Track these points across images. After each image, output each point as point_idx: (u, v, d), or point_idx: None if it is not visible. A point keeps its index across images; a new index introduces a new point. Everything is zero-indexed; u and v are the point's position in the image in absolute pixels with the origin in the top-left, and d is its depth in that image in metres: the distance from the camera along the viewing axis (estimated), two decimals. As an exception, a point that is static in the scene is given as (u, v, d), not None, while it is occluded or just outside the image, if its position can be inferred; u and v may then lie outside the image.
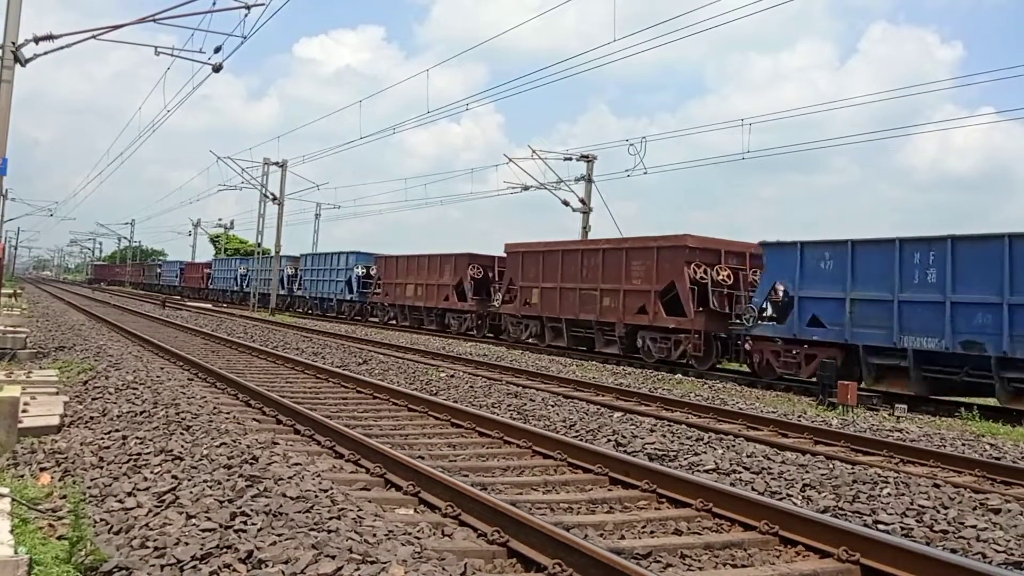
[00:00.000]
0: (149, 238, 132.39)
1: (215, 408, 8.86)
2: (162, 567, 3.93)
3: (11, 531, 4.08)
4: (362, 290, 37.56)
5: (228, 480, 5.49)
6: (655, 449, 8.15)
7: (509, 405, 10.92)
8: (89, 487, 5.51)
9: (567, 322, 22.86)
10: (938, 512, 6.14)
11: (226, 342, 19.55)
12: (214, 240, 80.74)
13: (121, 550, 4.20)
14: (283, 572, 3.86)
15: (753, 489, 6.62)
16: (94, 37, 16.09)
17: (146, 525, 4.56)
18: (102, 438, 7.07)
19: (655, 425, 9.71)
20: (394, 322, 33.79)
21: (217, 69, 17.54)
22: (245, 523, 4.53)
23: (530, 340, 24.62)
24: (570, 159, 30.99)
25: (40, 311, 29.23)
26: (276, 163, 42.14)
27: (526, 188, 31.60)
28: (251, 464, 5.99)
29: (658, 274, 19.77)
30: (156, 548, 4.16)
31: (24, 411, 7.49)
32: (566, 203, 30.86)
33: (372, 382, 11.96)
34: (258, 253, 46.69)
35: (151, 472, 5.81)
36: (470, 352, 20.51)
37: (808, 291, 16.00)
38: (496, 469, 7.11)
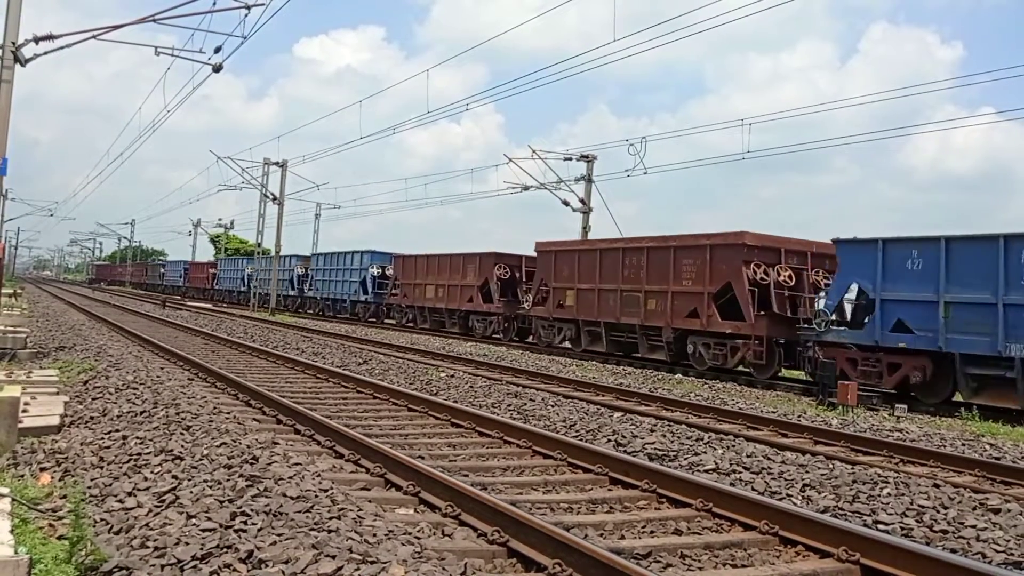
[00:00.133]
0: (149, 238, 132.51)
1: (215, 408, 8.86)
2: (162, 567, 3.94)
3: (11, 531, 4.08)
4: (377, 291, 36.35)
5: (228, 480, 5.49)
6: (655, 449, 8.15)
7: (509, 405, 10.92)
8: (89, 487, 5.51)
9: (606, 326, 21.32)
10: (938, 512, 6.14)
11: (226, 342, 19.55)
12: (214, 240, 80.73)
13: (121, 550, 4.20)
14: (283, 572, 3.87)
15: (753, 489, 6.62)
16: (94, 37, 16.10)
17: (146, 525, 4.57)
18: (102, 438, 7.07)
19: (655, 425, 9.71)
20: (412, 324, 32.54)
21: (217, 69, 17.55)
22: (245, 523, 4.53)
23: (563, 345, 23.28)
24: (570, 159, 31.00)
25: (40, 311, 29.24)
26: (276, 163, 42.15)
27: (526, 188, 31.61)
28: (251, 464, 5.99)
29: (711, 274, 18.21)
30: (156, 548, 4.16)
31: (24, 411, 7.49)
32: (566, 203, 30.87)
33: (372, 382, 11.96)
34: (259, 253, 46.63)
35: (151, 472, 5.81)
36: (470, 352, 20.50)
37: (892, 293, 14.55)
38: (496, 469, 7.11)
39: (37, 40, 14.98)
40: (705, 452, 8.08)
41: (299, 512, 4.79)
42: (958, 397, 14.12)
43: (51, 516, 4.84)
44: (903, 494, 6.65)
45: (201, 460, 6.12)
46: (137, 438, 6.97)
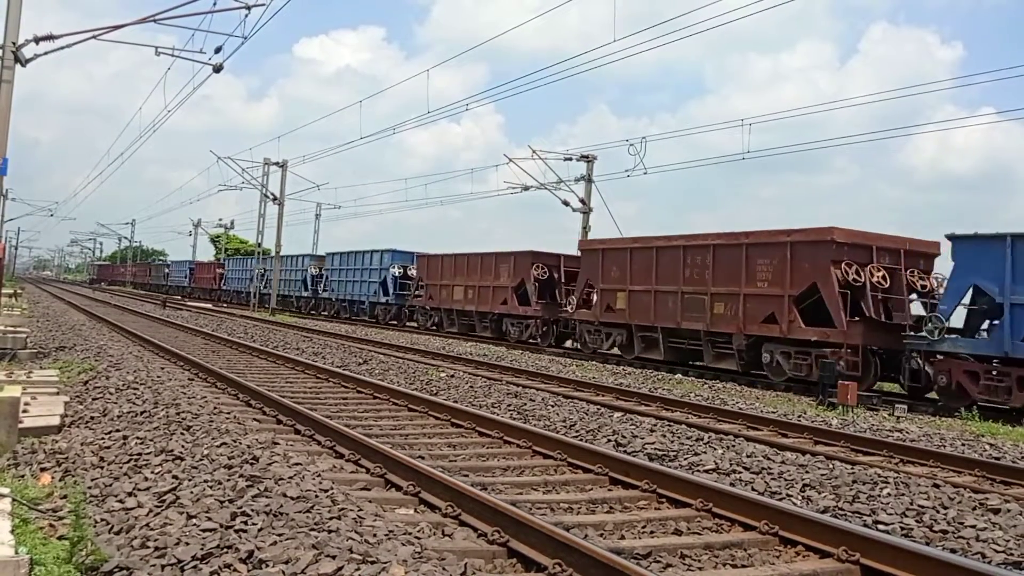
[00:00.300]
0: (149, 238, 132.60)
1: (215, 408, 8.87)
2: (163, 567, 3.94)
3: (12, 531, 4.09)
4: (399, 292, 34.72)
5: (229, 480, 5.50)
6: (655, 449, 8.16)
7: (509, 405, 10.93)
8: (90, 487, 5.51)
9: (664, 332, 19.41)
10: (938, 512, 6.15)
11: (227, 342, 19.56)
12: (214, 240, 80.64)
13: (122, 550, 4.21)
14: (283, 572, 3.87)
15: (753, 489, 6.62)
16: (94, 37, 16.11)
17: (147, 525, 4.57)
18: (103, 438, 7.07)
19: (655, 425, 9.71)
20: (436, 328, 30.80)
21: (217, 69, 17.56)
22: (246, 523, 4.53)
23: (613, 351, 21.57)
24: (570, 159, 30.99)
25: (40, 311, 29.25)
26: (276, 163, 42.17)
27: (526, 188, 31.59)
28: (251, 464, 5.99)
29: (793, 275, 16.30)
30: (157, 548, 4.17)
31: (25, 411, 7.49)
32: (566, 203, 30.86)
33: (372, 382, 11.97)
34: (259, 252, 46.62)
35: (152, 472, 5.81)
36: (470, 352, 20.51)
37: None
38: (496, 469, 7.11)
39: (37, 40, 14.99)
40: (705, 452, 8.08)
41: (299, 512, 4.80)
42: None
43: (51, 516, 4.84)
44: (903, 494, 6.65)
45: (201, 460, 6.12)
46: (137, 438, 6.98)
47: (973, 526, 5.78)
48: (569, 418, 9.90)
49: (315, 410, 9.13)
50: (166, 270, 76.52)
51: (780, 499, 6.31)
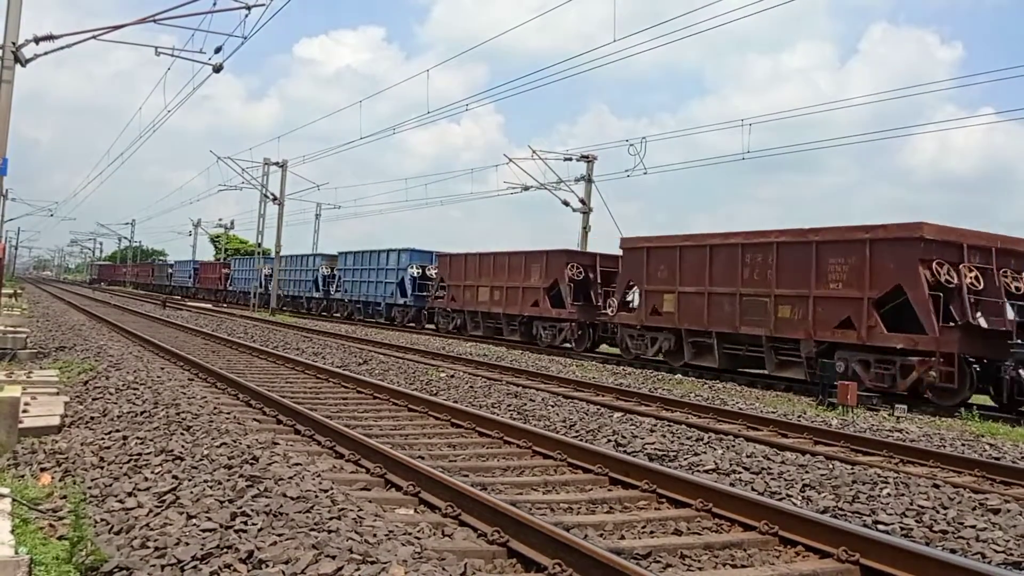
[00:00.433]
0: (149, 238, 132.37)
1: (215, 408, 8.87)
2: (163, 567, 3.94)
3: (12, 531, 4.09)
4: (418, 293, 33.06)
5: (228, 480, 5.50)
6: (655, 449, 8.16)
7: (509, 405, 10.93)
8: (90, 487, 5.52)
9: (719, 337, 17.94)
10: (938, 512, 6.15)
11: (226, 342, 19.56)
12: (214, 240, 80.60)
13: (122, 550, 4.21)
14: (283, 572, 3.87)
15: (753, 489, 6.62)
16: (94, 37, 16.11)
17: (147, 525, 4.57)
18: (103, 438, 7.07)
19: (655, 425, 9.71)
20: (459, 331, 29.25)
21: (217, 69, 17.57)
22: (245, 523, 4.54)
23: (658, 357, 19.99)
24: (570, 159, 31.04)
25: (40, 311, 29.24)
26: (276, 163, 42.20)
27: (526, 188, 31.64)
28: (251, 464, 6.00)
29: (873, 276, 14.81)
30: (157, 548, 4.17)
31: (24, 411, 7.49)
32: (566, 203, 30.90)
33: (372, 382, 11.97)
34: (258, 252, 46.58)
35: (152, 472, 5.81)
36: (470, 352, 20.51)
37: None
38: (496, 469, 7.11)
39: (37, 40, 15.00)
40: (705, 452, 8.08)
41: (299, 512, 4.80)
42: None
43: (51, 516, 4.84)
44: (903, 494, 6.65)
45: (201, 460, 6.12)
46: (137, 438, 6.98)
47: (973, 526, 5.79)
48: (569, 418, 9.90)
49: (315, 410, 9.13)
50: (169, 270, 74.70)
51: (780, 499, 6.31)
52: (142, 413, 8.25)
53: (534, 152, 30.88)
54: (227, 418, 8.28)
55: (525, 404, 11.04)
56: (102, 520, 4.76)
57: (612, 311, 21.52)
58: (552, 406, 10.91)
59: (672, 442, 8.59)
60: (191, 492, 5.16)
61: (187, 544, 4.18)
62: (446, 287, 30.27)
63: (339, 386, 12.16)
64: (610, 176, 47.77)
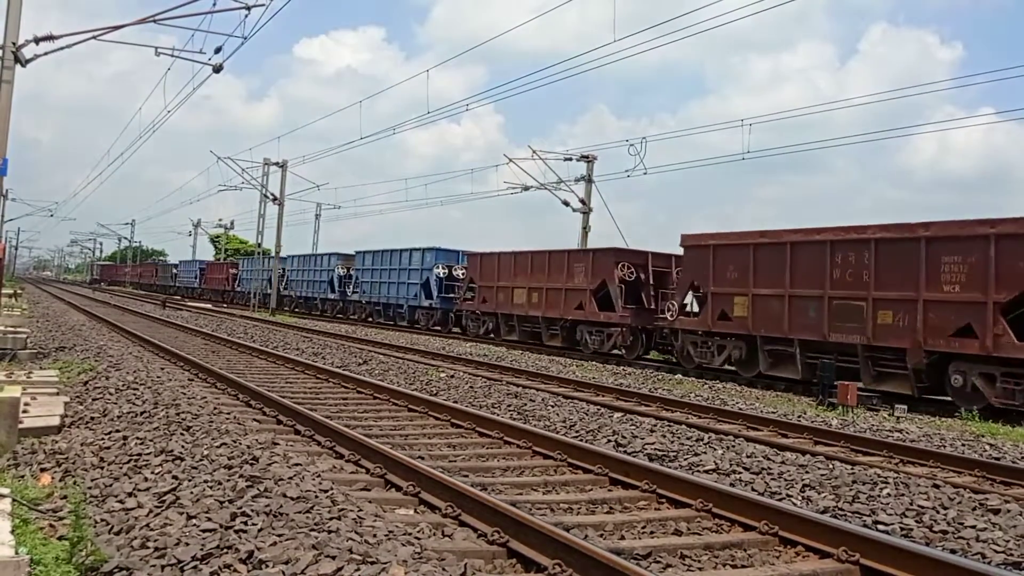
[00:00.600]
0: (149, 238, 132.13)
1: (215, 408, 8.87)
2: (163, 567, 3.94)
3: (12, 531, 4.09)
4: (444, 295, 31.17)
5: (228, 480, 5.50)
6: (655, 449, 8.16)
7: (509, 405, 10.93)
8: (90, 487, 5.52)
9: (803, 345, 16.07)
10: (938, 512, 6.15)
11: (226, 342, 19.56)
12: (214, 240, 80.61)
13: (122, 550, 4.21)
14: (283, 572, 3.87)
15: (753, 489, 6.62)
16: (94, 38, 16.11)
17: (147, 525, 4.57)
18: (103, 438, 7.08)
19: (655, 425, 9.71)
20: (491, 335, 27.10)
21: (217, 70, 17.57)
22: (245, 523, 4.54)
23: (726, 367, 18.37)
24: (570, 159, 31.06)
25: (40, 311, 29.25)
26: (276, 163, 42.23)
27: (526, 188, 31.66)
28: (251, 464, 6.00)
29: (1000, 277, 13.04)
30: (157, 548, 4.17)
31: (24, 411, 7.49)
32: (566, 203, 30.91)
33: (372, 382, 11.97)
34: (258, 250, 46.54)
35: (152, 472, 5.81)
36: (470, 352, 20.50)
37: None
38: (496, 469, 7.11)
39: (37, 41, 15.00)
40: (705, 452, 8.08)
41: (299, 512, 4.80)
42: None
43: (51, 516, 4.84)
44: (903, 494, 6.65)
45: (201, 460, 6.13)
46: (137, 438, 6.98)
47: (973, 526, 5.79)
48: (569, 418, 9.90)
49: (315, 410, 9.13)
50: (174, 270, 72.44)
51: (780, 499, 6.31)
52: (142, 413, 8.25)
53: (534, 152, 30.91)
54: (227, 418, 8.28)
55: (525, 404, 11.04)
56: (102, 520, 4.76)
57: (671, 315, 19.43)
58: (552, 406, 10.91)
59: (672, 442, 8.59)
60: (191, 492, 5.16)
61: (187, 544, 4.18)
62: (476, 288, 28.21)
63: (339, 386, 12.16)
64: (610, 176, 47.83)
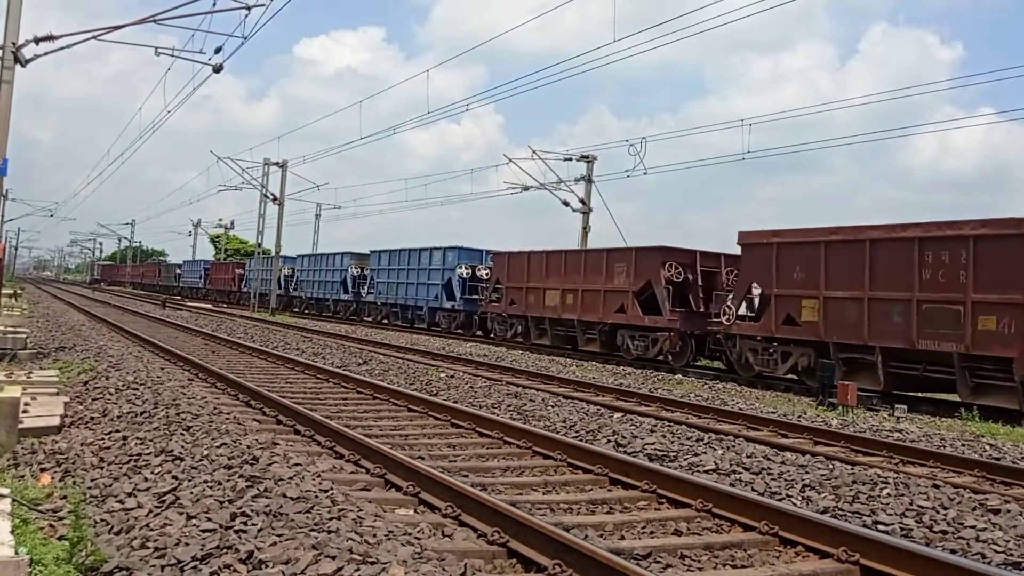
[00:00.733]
0: (149, 238, 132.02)
1: (215, 408, 8.87)
2: (163, 567, 3.94)
3: (12, 531, 4.09)
4: (468, 296, 29.62)
5: (228, 480, 5.50)
6: (655, 449, 8.16)
7: (509, 405, 10.93)
8: (89, 487, 5.52)
9: (885, 353, 14.59)
10: (938, 512, 6.15)
11: (226, 342, 19.56)
12: (214, 240, 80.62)
13: (122, 550, 4.21)
14: (283, 572, 3.87)
15: (753, 489, 6.62)
16: (94, 38, 16.12)
17: (147, 525, 4.57)
18: (102, 438, 7.08)
19: (655, 425, 9.71)
20: (520, 339, 25.60)
21: (217, 70, 17.58)
22: (245, 523, 4.54)
23: (791, 376, 16.79)
24: (570, 159, 31.08)
25: (40, 311, 29.25)
26: (276, 163, 42.24)
27: (526, 188, 31.68)
28: (251, 464, 6.00)
29: None
30: (157, 548, 4.17)
31: (24, 411, 7.49)
32: (566, 203, 30.93)
33: (372, 382, 11.97)
34: (258, 251, 46.51)
35: (151, 472, 5.81)
36: (470, 352, 20.50)
37: None
38: (496, 469, 7.11)
39: (37, 41, 15.01)
40: (705, 452, 8.08)
41: (299, 513, 4.80)
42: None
43: (51, 516, 4.84)
44: (903, 495, 6.65)
45: (201, 461, 6.13)
46: (137, 439, 6.98)
47: (973, 526, 5.78)
48: (569, 418, 9.90)
49: (315, 410, 9.13)
50: (177, 270, 70.96)
51: (780, 499, 6.31)
52: (142, 413, 8.25)
53: (534, 152, 30.93)
54: (227, 418, 8.28)
55: (525, 404, 11.04)
56: (102, 520, 4.76)
57: (727, 319, 17.95)
58: (552, 406, 10.91)
59: (672, 442, 8.59)
60: (191, 492, 5.16)
61: (187, 544, 4.18)
62: (502, 290, 26.56)
63: (339, 386, 12.16)
64: (610, 176, 47.81)
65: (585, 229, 30.62)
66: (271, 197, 42.21)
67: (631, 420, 10.12)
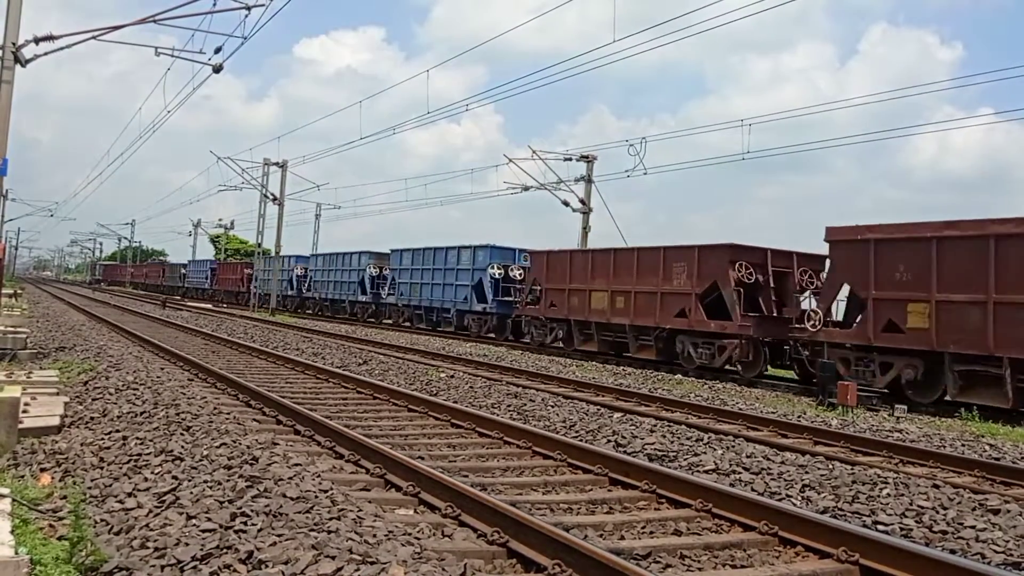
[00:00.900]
0: (149, 238, 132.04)
1: (215, 408, 8.87)
2: (162, 567, 3.94)
3: (12, 531, 4.09)
4: (500, 298, 27.61)
5: (228, 481, 5.50)
6: (655, 449, 8.16)
7: (509, 405, 10.93)
8: (89, 487, 5.52)
9: (1014, 365, 12.80)
10: (937, 512, 6.15)
11: (226, 342, 19.56)
12: (214, 240, 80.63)
13: (122, 550, 4.21)
14: (283, 572, 3.87)
15: (753, 490, 6.62)
16: (94, 38, 16.12)
17: (146, 526, 4.57)
18: (102, 438, 7.08)
19: (655, 425, 9.72)
20: (561, 345, 23.51)
21: (217, 70, 17.59)
22: (245, 523, 4.54)
23: (886, 390, 14.97)
24: (570, 159, 31.07)
25: (40, 311, 29.25)
26: (276, 163, 42.24)
27: (526, 188, 31.67)
28: (251, 465, 6.00)
29: None
30: (156, 548, 4.17)
31: (24, 411, 7.50)
32: (566, 203, 30.93)
33: (372, 382, 11.97)
34: (258, 250, 46.52)
35: (151, 472, 5.81)
36: (470, 352, 20.51)
37: None
38: (496, 470, 7.11)
39: (37, 41, 15.02)
40: (705, 452, 8.08)
41: (299, 513, 4.80)
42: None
43: (51, 516, 4.85)
44: (903, 495, 6.66)
45: (201, 461, 6.13)
46: (137, 439, 6.98)
47: (973, 527, 5.79)
48: (569, 418, 9.90)
49: (315, 410, 9.13)
50: (183, 271, 69.50)
51: (780, 499, 6.31)
52: (142, 413, 8.25)
53: (534, 152, 30.90)
54: (227, 418, 8.28)
55: (525, 404, 11.04)
56: (102, 520, 4.76)
57: (814, 325, 16.08)
58: (552, 406, 10.91)
59: (672, 442, 8.59)
60: (191, 492, 5.17)
61: (187, 544, 4.18)
62: (540, 291, 24.44)
63: (339, 386, 12.16)
64: (610, 176, 47.78)
65: (585, 229, 30.62)
66: (271, 197, 42.21)
67: (631, 420, 10.12)
